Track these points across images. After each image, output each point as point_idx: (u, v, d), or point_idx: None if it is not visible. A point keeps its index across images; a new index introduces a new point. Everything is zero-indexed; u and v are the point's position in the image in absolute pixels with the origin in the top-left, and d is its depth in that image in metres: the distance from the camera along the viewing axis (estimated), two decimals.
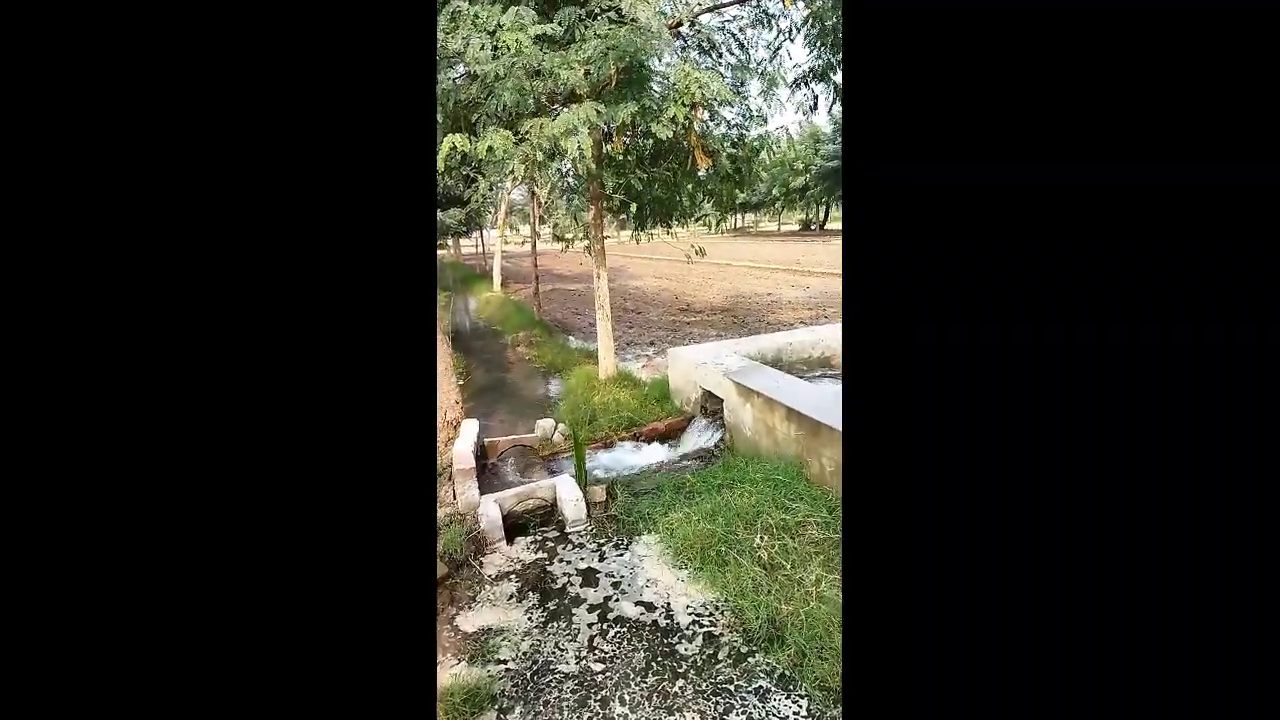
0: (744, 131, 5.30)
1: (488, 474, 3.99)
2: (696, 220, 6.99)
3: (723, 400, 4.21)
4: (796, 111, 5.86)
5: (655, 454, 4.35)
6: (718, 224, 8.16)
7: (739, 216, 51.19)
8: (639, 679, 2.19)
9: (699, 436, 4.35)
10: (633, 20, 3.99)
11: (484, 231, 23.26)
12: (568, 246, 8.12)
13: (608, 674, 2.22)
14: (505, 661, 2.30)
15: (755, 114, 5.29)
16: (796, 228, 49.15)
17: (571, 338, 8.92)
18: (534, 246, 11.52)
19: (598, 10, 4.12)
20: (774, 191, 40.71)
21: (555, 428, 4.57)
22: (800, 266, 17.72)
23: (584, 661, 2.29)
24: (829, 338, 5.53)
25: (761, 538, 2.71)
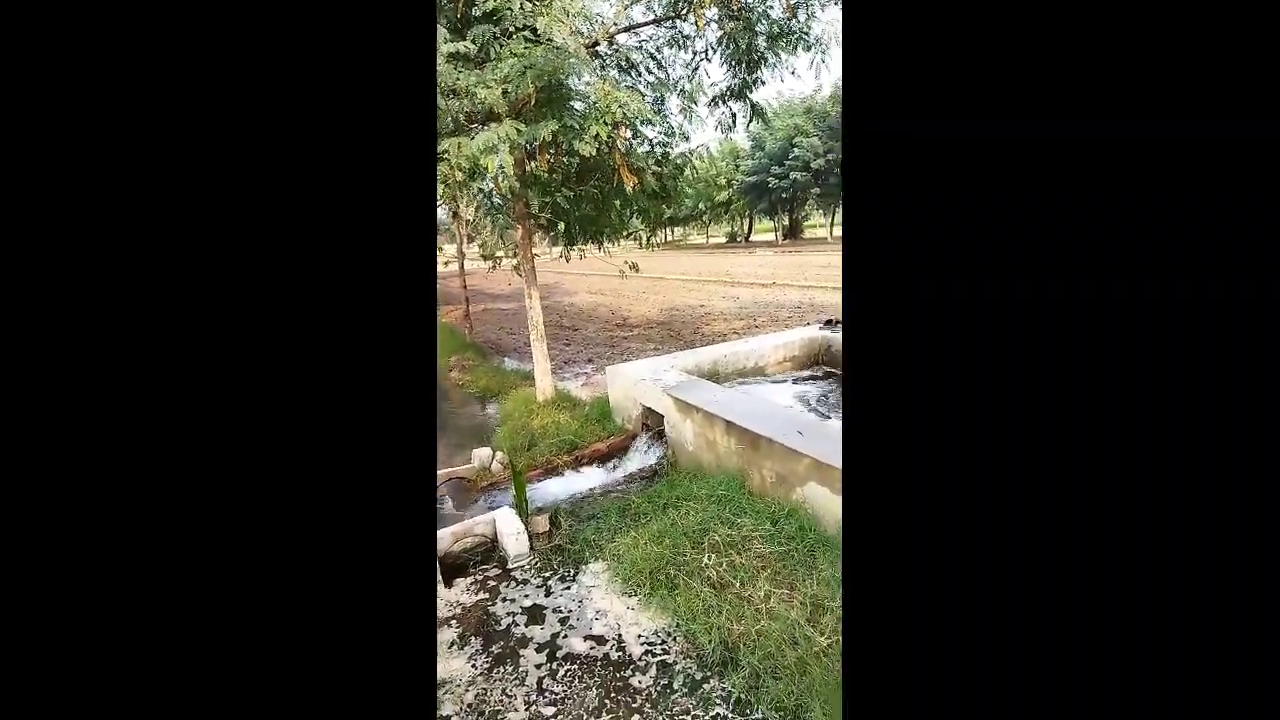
0: (668, 149, 5.37)
1: None
2: (627, 236, 7.01)
3: (663, 416, 4.18)
4: (716, 129, 6.03)
5: (598, 477, 4.24)
6: (648, 240, 8.23)
7: (668, 231, 52.25)
8: None
9: (642, 455, 4.29)
10: (548, 40, 3.97)
11: None
12: (495, 265, 7.93)
13: (559, 718, 2.09)
14: (449, 717, 2.13)
15: (678, 131, 5.37)
16: (724, 240, 50.76)
17: (507, 359, 8.66)
18: (461, 266, 11.14)
19: (512, 29, 4.07)
20: (699, 206, 41.84)
21: (493, 456, 4.37)
22: (729, 278, 18.23)
23: (534, 707, 2.15)
24: (762, 348, 5.67)
25: (709, 556, 2.67)
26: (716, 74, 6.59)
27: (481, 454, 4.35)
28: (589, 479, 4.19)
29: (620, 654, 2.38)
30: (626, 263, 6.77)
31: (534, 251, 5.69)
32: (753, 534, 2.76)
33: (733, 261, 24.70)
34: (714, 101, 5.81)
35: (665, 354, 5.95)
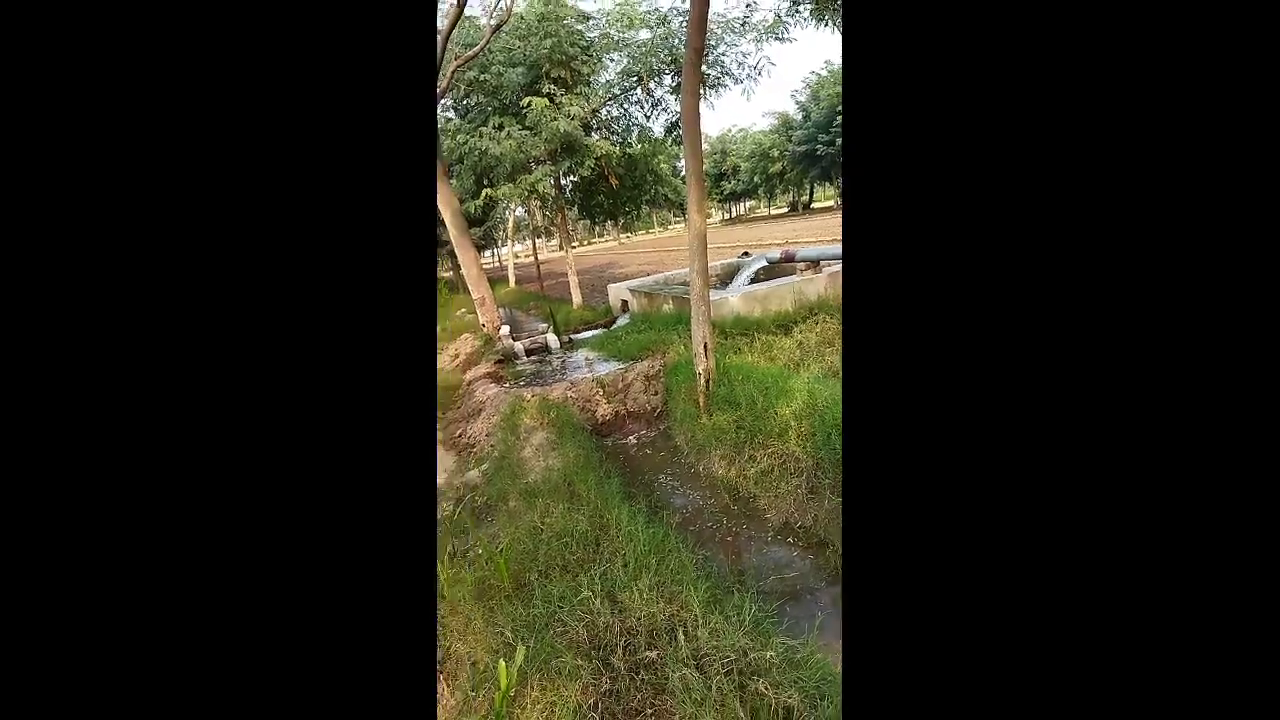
0: (634, 163, 9.72)
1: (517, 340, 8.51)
2: (634, 218, 11.52)
3: (628, 302, 8.59)
4: (675, 144, 10.24)
5: (596, 333, 8.79)
6: (637, 219, 12.85)
7: (734, 205, 55.20)
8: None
9: (619, 321, 8.76)
10: (568, 115, 8.38)
11: (497, 249, 28.33)
12: (562, 246, 12.72)
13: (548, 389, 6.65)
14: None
15: (641, 152, 9.70)
16: (785, 209, 52.79)
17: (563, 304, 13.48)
18: (535, 254, 16.20)
19: (552, 110, 8.54)
20: (755, 179, 44.52)
21: (547, 327, 9.05)
22: (762, 241, 21.71)
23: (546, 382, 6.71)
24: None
25: (646, 335, 7.11)
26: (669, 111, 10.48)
27: (544, 327, 9.04)
28: (594, 331, 8.74)
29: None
30: (625, 236, 11.28)
31: (572, 233, 10.34)
32: (654, 329, 7.13)
33: (785, 228, 27.97)
34: (671, 128, 10.01)
35: (641, 278, 10.38)
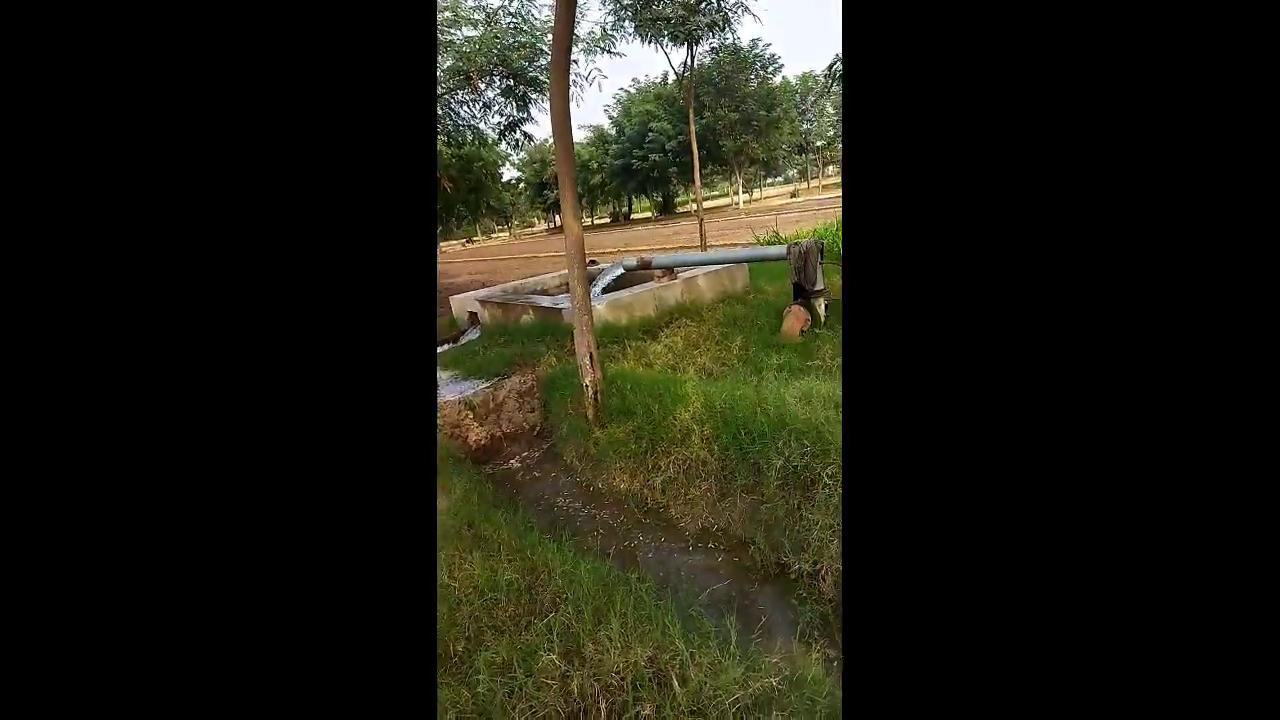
0: (469, 166, 9.09)
1: None
2: (500, 225, 10.65)
3: (476, 314, 7.94)
4: (508, 148, 9.81)
5: (443, 349, 7.99)
6: (472, 226, 12.03)
7: (556, 215, 55.46)
8: None
9: (468, 335, 8.06)
10: None
11: None
12: None
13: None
14: None
15: (474, 156, 9.11)
16: (607, 220, 54.75)
17: None
18: None
19: None
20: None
21: None
22: (595, 250, 22.09)
23: None
24: (546, 279, 9.60)
25: (500, 350, 6.52)
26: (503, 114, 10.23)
27: None
28: (443, 347, 7.92)
29: None
30: (464, 242, 10.47)
31: None
32: (516, 342, 6.63)
33: (600, 238, 28.69)
34: (503, 132, 9.54)
35: (484, 288, 9.75)
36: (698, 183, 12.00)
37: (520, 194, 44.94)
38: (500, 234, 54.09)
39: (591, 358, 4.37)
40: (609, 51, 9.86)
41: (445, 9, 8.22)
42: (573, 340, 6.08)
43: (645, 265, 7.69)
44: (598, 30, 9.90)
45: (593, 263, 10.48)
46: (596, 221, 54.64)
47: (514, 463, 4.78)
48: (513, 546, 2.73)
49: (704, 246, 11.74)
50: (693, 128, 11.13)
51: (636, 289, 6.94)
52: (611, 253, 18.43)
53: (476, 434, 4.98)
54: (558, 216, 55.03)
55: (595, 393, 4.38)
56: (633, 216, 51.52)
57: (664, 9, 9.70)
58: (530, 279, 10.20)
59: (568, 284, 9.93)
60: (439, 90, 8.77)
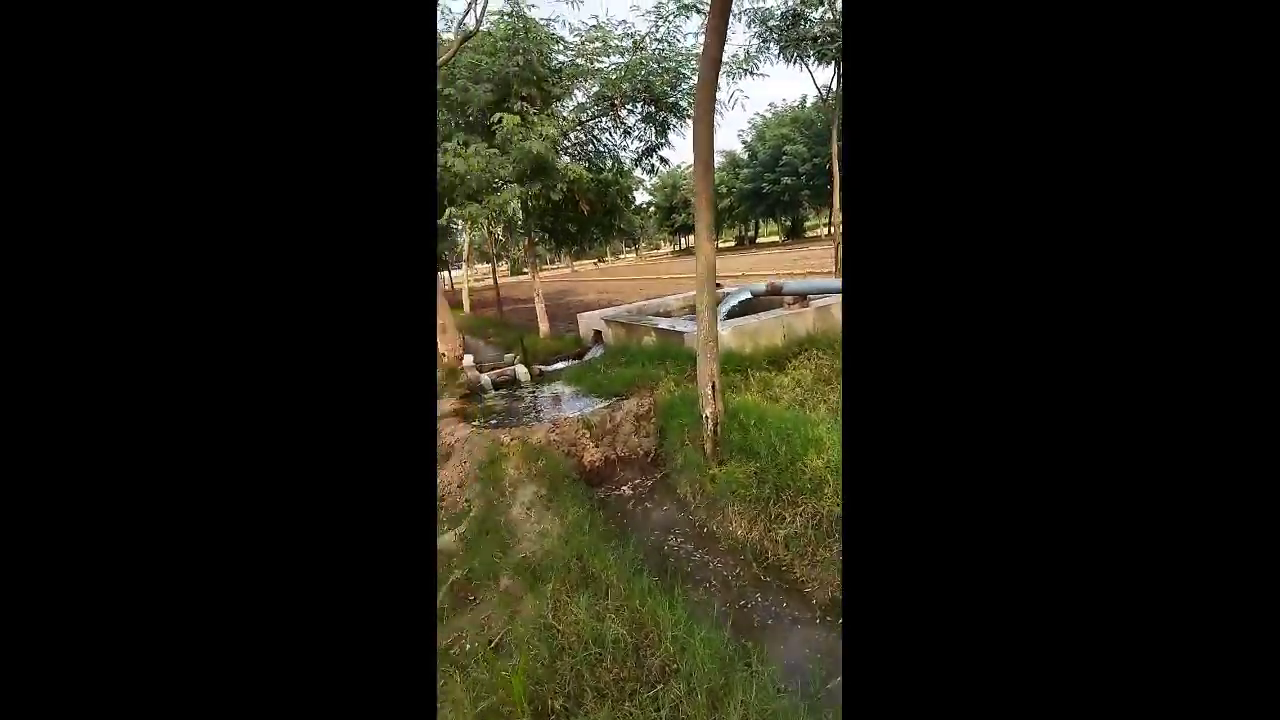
0: (606, 189, 9.32)
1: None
2: (595, 244, 10.98)
3: (602, 332, 8.05)
4: (643, 172, 9.95)
5: (568, 364, 8.18)
6: (604, 248, 12.34)
7: (684, 238, 56.35)
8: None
9: (591, 352, 8.19)
10: (540, 135, 7.87)
11: (450, 271, 27.23)
12: (514, 271, 11.98)
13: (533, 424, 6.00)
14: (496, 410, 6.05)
15: (612, 180, 9.32)
16: (733, 243, 54.39)
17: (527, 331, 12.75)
18: (494, 278, 15.39)
19: (523, 129, 7.99)
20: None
21: (515, 357, 8.36)
22: (721, 274, 21.90)
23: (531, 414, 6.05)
24: (669, 301, 9.52)
25: (625, 370, 6.55)
26: (642, 140, 10.34)
27: (508, 357, 8.35)
28: (566, 363, 8.13)
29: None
30: (596, 261, 10.77)
31: (537, 258, 9.70)
32: (636, 364, 6.62)
33: (727, 263, 28.45)
34: (639, 157, 9.71)
35: (610, 307, 9.88)
36: (836, 204, 11.33)
37: (649, 217, 46.19)
38: (627, 255, 56.09)
39: (714, 388, 4.10)
40: (752, 73, 9.68)
41: (596, 39, 8.59)
42: (693, 366, 5.93)
43: (775, 291, 7.28)
44: (741, 53, 9.77)
45: (717, 285, 10.25)
46: (721, 245, 54.50)
47: (626, 489, 4.63)
48: (622, 592, 2.53)
49: (838, 272, 11.01)
50: (835, 148, 10.53)
51: (764, 315, 6.56)
52: (734, 276, 18.12)
53: (591, 455, 4.93)
54: (683, 239, 56.10)
55: (715, 425, 4.10)
56: (758, 240, 50.62)
57: (810, 29, 9.34)
58: (653, 300, 10.21)
59: (690, 306, 9.79)
60: (583, 118, 9.18)
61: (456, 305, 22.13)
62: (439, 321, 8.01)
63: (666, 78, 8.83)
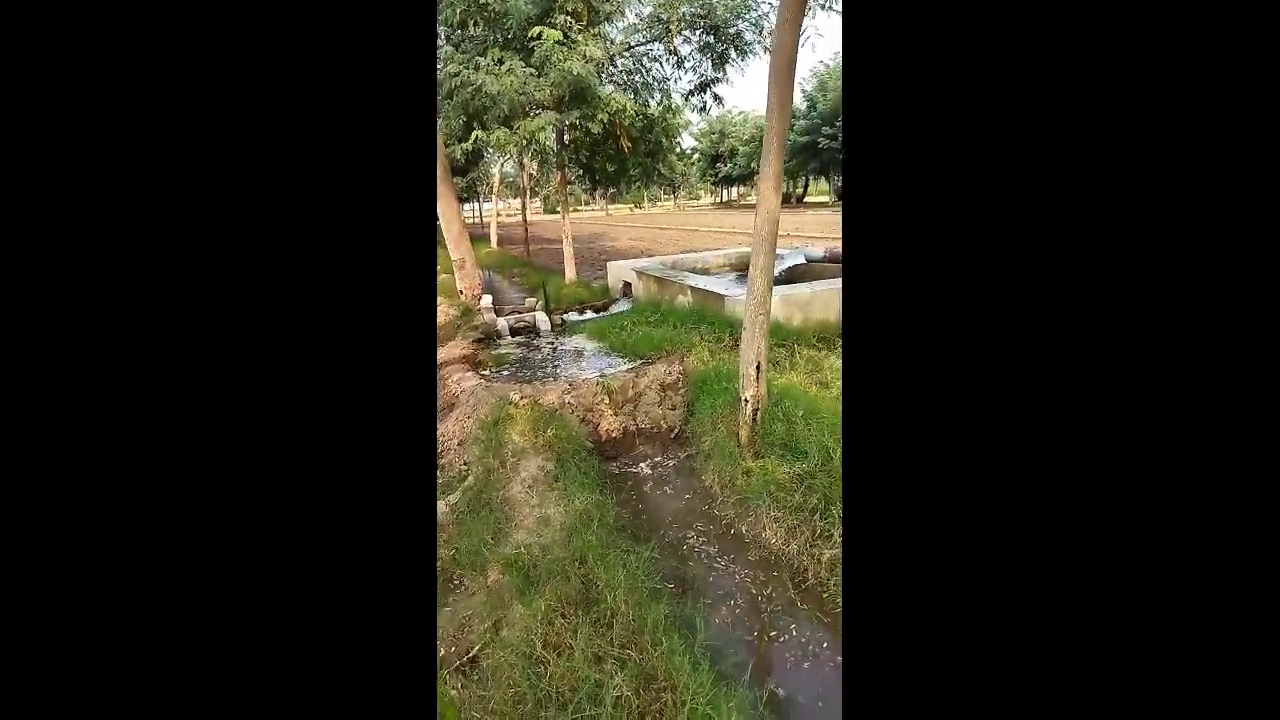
0: (651, 125, 8.40)
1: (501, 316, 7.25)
2: (636, 186, 10.08)
3: (631, 284, 7.40)
4: (692, 112, 8.94)
5: (592, 316, 7.59)
6: (642, 192, 11.37)
7: (726, 190, 53.97)
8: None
9: (618, 305, 7.57)
10: (583, 55, 7.00)
11: (480, 203, 26.35)
12: (547, 209, 11.24)
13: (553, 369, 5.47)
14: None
15: (659, 117, 8.38)
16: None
17: (553, 275, 12.12)
18: (524, 214, 14.63)
19: (564, 47, 7.12)
20: (753, 165, 43.31)
21: (537, 303, 7.79)
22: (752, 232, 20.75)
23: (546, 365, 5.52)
24: (707, 256, 8.75)
25: (639, 331, 5.95)
26: (696, 73, 9.07)
27: (530, 301, 7.78)
28: (590, 315, 7.54)
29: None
30: (632, 207, 9.94)
31: (569, 197, 8.93)
32: (667, 324, 6.00)
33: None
34: (690, 93, 8.70)
35: (643, 258, 9.15)
36: None
37: (693, 164, 44.05)
38: (665, 203, 54.10)
39: (759, 368, 3.50)
40: (833, 8, 8.47)
41: None
42: (733, 335, 5.29)
43: (834, 259, 6.48)
44: None
45: None
46: None
47: (644, 466, 4.13)
48: (630, 623, 2.04)
49: None
50: None
51: (818, 285, 5.81)
52: (780, 237, 16.98)
53: (609, 423, 4.42)
54: (727, 191, 53.74)
55: (755, 411, 3.52)
56: (806, 199, 48.16)
57: None
58: (690, 254, 9.45)
59: (731, 265, 8.95)
60: (633, 42, 8.18)
61: (483, 238, 21.49)
62: (458, 257, 7.46)
63: (732, 4, 7.74)
